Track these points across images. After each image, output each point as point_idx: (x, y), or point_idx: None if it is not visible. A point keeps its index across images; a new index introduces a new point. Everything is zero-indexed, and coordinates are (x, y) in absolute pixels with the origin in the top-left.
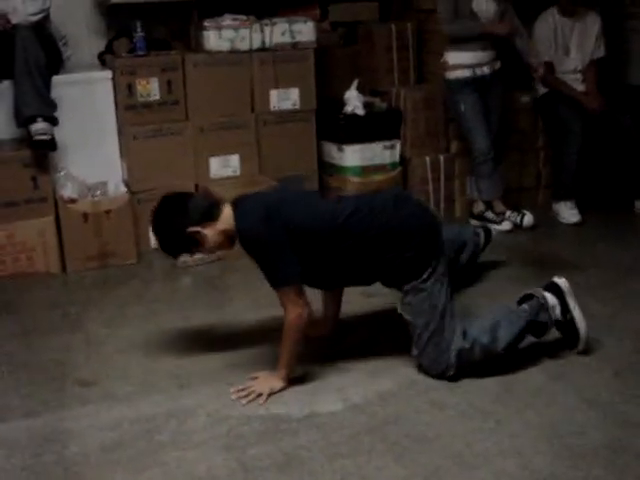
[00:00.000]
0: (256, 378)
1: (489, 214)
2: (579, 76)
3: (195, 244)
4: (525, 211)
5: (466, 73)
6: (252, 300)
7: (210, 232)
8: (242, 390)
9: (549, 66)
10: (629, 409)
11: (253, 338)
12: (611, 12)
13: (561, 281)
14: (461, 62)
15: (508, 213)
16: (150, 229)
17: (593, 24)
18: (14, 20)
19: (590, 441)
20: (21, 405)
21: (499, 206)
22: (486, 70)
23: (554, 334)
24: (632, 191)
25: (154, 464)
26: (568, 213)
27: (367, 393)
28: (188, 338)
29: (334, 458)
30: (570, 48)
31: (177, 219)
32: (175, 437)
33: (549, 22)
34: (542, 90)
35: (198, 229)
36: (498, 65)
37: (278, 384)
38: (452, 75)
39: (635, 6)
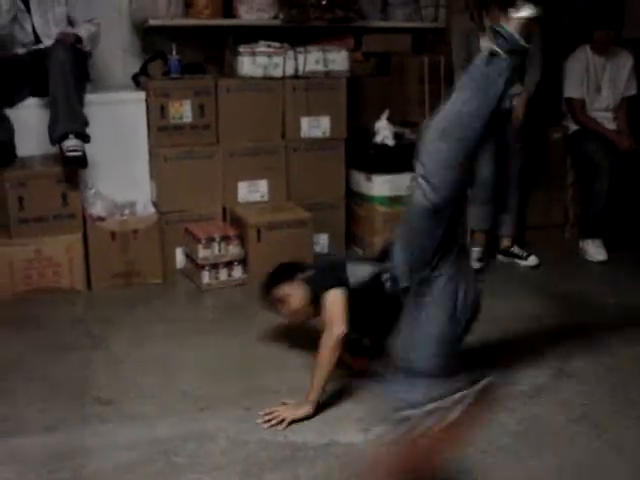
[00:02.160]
0: (285, 404)
1: (515, 249)
2: (610, 114)
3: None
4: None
5: None
6: (275, 326)
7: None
8: (268, 414)
9: (581, 104)
10: None
11: (274, 364)
12: None
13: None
14: None
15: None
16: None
17: (625, 63)
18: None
19: None
20: (39, 420)
21: (504, 242)
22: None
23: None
24: None
25: None
26: (595, 251)
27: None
28: (209, 361)
29: None
30: (602, 86)
31: None
32: (192, 460)
33: (582, 60)
34: (573, 127)
35: None
36: (507, 104)
37: (303, 411)
38: None
39: None
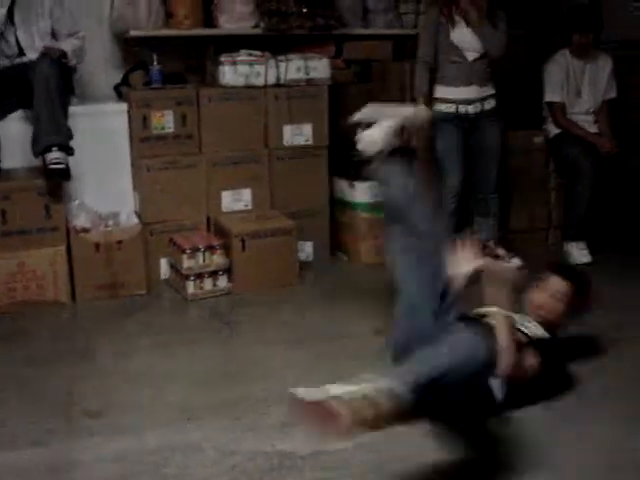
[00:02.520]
0: None
1: (499, 251)
2: (591, 117)
3: None
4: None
5: (447, 109)
6: (260, 336)
7: None
8: None
9: (562, 107)
10: None
11: (260, 373)
12: (623, 54)
13: None
14: (442, 96)
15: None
16: None
17: (605, 66)
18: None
19: None
20: (27, 433)
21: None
22: (470, 109)
23: None
24: None
25: None
26: (578, 253)
27: (375, 432)
28: (196, 371)
29: None
30: (582, 90)
31: None
32: (181, 471)
33: (561, 64)
34: (554, 131)
35: None
36: (490, 104)
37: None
38: (435, 108)
39: None
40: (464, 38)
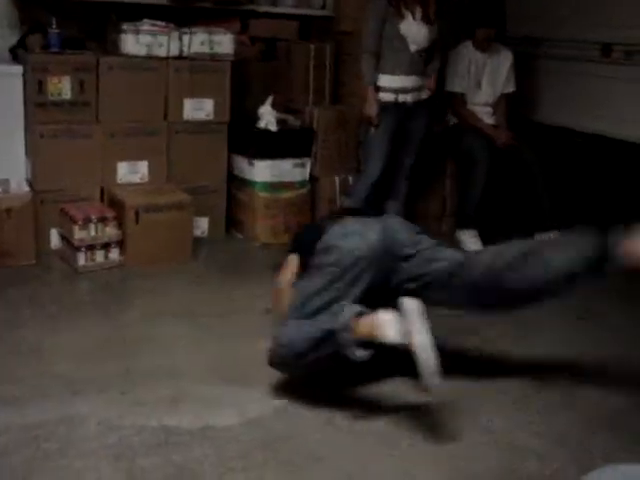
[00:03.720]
0: None
1: None
2: (489, 109)
3: None
4: None
5: (387, 97)
6: (152, 308)
7: None
8: None
9: (462, 98)
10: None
11: (150, 346)
12: (524, 50)
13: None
14: (384, 85)
15: None
16: None
17: (505, 60)
18: None
19: (481, 467)
20: None
21: None
22: (409, 98)
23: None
24: (533, 224)
25: (40, 472)
26: (470, 242)
27: (263, 409)
28: (83, 344)
29: (226, 473)
30: (482, 82)
31: None
32: (63, 445)
33: (463, 55)
34: (453, 120)
35: None
36: (425, 95)
37: None
38: (379, 97)
39: (547, 46)
40: (410, 29)
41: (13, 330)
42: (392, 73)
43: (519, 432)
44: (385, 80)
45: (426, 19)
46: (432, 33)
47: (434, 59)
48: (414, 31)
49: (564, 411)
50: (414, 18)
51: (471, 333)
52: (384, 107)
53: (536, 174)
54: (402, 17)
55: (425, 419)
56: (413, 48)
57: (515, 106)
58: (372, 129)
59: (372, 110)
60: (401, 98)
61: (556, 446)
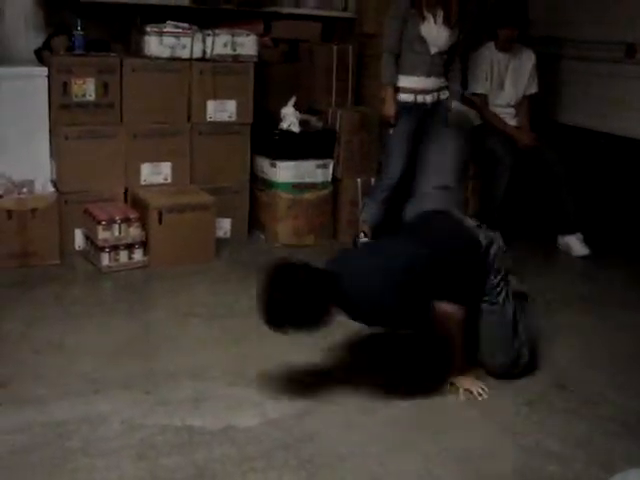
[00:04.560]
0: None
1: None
2: (512, 110)
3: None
4: None
5: (407, 98)
6: (173, 308)
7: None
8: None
9: (484, 99)
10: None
11: (172, 346)
12: (546, 51)
13: None
14: (403, 86)
15: None
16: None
17: (528, 61)
18: None
19: (499, 466)
20: None
21: None
22: (428, 99)
23: None
24: (555, 226)
25: (63, 470)
26: None
27: (284, 409)
28: (106, 343)
29: (247, 472)
30: (505, 83)
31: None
32: (86, 444)
33: (486, 56)
34: (476, 122)
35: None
36: (444, 95)
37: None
38: (398, 98)
39: (569, 47)
40: (431, 32)
41: (37, 329)
42: (412, 74)
43: (539, 434)
44: (405, 81)
45: (447, 22)
46: (453, 36)
47: (454, 62)
48: (434, 34)
49: (585, 413)
50: (435, 21)
51: None
52: (403, 107)
53: (559, 175)
54: (423, 19)
55: (446, 419)
56: (433, 50)
57: (538, 107)
58: (391, 130)
59: (390, 110)
60: (420, 99)
61: (577, 448)
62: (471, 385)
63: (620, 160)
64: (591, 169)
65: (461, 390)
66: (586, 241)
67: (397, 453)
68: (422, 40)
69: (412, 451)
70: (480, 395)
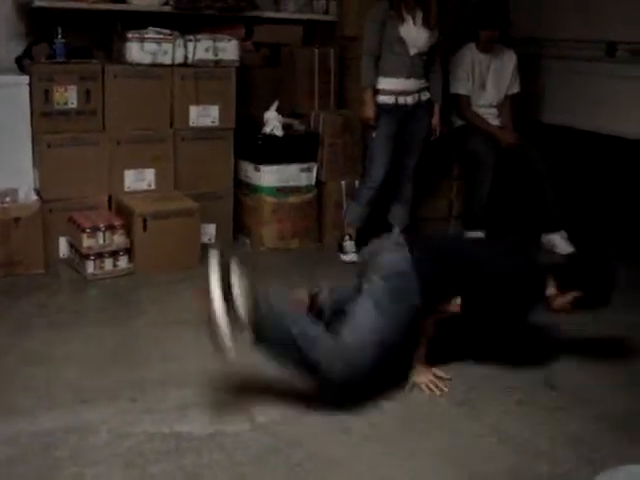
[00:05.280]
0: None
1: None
2: (494, 111)
3: None
4: None
5: (387, 100)
6: (161, 315)
7: None
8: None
9: (467, 100)
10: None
11: (159, 354)
12: (528, 51)
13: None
14: (383, 87)
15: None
16: None
17: (509, 61)
18: None
19: (490, 466)
20: None
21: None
22: (409, 100)
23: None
24: (540, 225)
25: None
26: None
27: (273, 414)
28: (93, 352)
29: (236, 478)
30: (487, 83)
31: None
32: (74, 453)
33: (467, 57)
34: (458, 122)
35: None
36: (425, 96)
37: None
38: (378, 100)
39: (550, 46)
40: (410, 33)
41: (23, 339)
42: (392, 76)
43: (528, 432)
44: (385, 83)
45: (427, 23)
46: (432, 37)
47: (435, 63)
48: (414, 35)
49: (574, 411)
50: (414, 22)
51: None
52: (384, 109)
53: (542, 174)
54: (403, 21)
55: (434, 420)
56: (413, 51)
57: (520, 107)
58: (373, 132)
59: (370, 112)
60: (401, 100)
61: (566, 447)
62: (430, 380)
63: (603, 158)
64: (574, 167)
65: (423, 386)
66: (570, 239)
67: (387, 456)
68: (401, 41)
69: (402, 453)
70: (441, 391)
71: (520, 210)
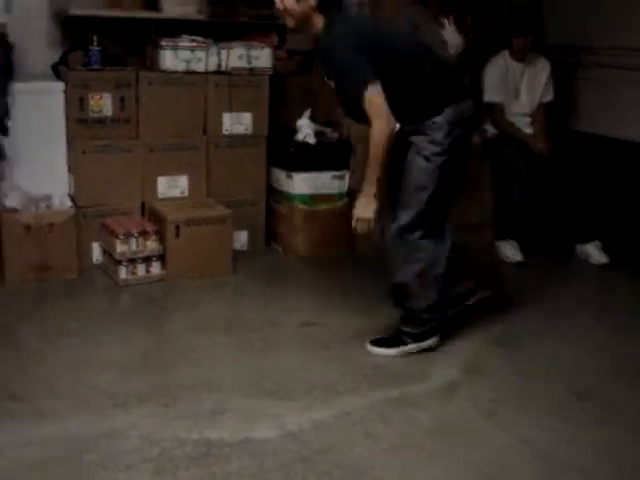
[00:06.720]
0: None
1: None
2: (528, 119)
3: None
4: None
5: None
6: (192, 322)
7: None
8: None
9: (500, 108)
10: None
11: (191, 359)
12: (562, 58)
13: None
14: None
15: None
16: None
17: (543, 69)
18: None
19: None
20: None
21: None
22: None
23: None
24: (574, 235)
25: None
26: (510, 252)
27: (302, 422)
28: (125, 357)
29: None
30: (520, 91)
31: None
32: (105, 458)
33: (501, 65)
34: (492, 131)
35: None
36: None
37: (371, 207)
38: None
39: (585, 54)
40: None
41: (54, 343)
42: None
43: (559, 443)
44: None
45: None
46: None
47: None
48: (450, 39)
49: (607, 422)
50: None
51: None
52: None
53: (576, 183)
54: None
55: (463, 431)
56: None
57: (554, 115)
58: None
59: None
60: None
61: (600, 459)
62: (364, 211)
63: (636, 167)
64: (608, 176)
65: (354, 219)
66: (605, 249)
67: (416, 465)
68: (444, 42)
69: (431, 464)
70: (361, 229)
71: (554, 220)
